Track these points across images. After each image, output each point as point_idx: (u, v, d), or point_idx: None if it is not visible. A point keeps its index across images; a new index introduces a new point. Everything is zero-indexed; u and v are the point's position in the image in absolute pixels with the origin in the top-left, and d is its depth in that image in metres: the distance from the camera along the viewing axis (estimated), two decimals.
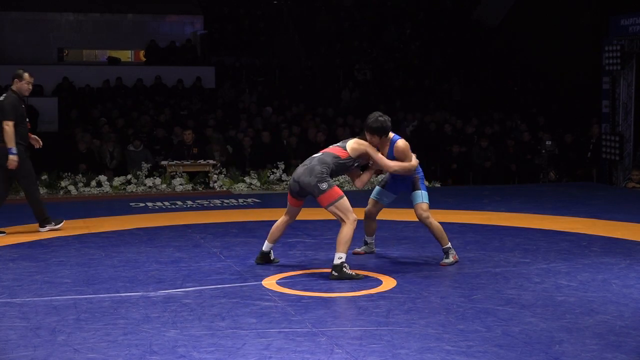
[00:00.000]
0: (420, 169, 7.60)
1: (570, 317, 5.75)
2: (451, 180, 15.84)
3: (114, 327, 5.51)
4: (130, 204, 11.90)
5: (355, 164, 7.35)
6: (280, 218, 7.52)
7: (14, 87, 9.41)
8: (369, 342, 5.15)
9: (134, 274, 7.19)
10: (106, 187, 13.46)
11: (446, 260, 7.54)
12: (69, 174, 13.52)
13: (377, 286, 6.69)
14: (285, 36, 24.58)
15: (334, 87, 21.94)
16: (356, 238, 7.41)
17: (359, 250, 8.09)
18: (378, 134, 7.27)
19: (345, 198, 7.04)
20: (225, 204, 11.91)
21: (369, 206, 7.85)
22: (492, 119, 19.24)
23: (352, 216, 6.99)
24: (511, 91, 22.18)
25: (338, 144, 7.40)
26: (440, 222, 7.67)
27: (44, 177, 13.32)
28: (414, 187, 7.51)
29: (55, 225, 9.61)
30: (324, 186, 6.97)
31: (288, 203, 7.43)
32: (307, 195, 7.19)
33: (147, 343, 5.15)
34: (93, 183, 13.44)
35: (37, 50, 23.29)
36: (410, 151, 7.43)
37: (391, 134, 7.43)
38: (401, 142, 7.39)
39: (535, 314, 5.81)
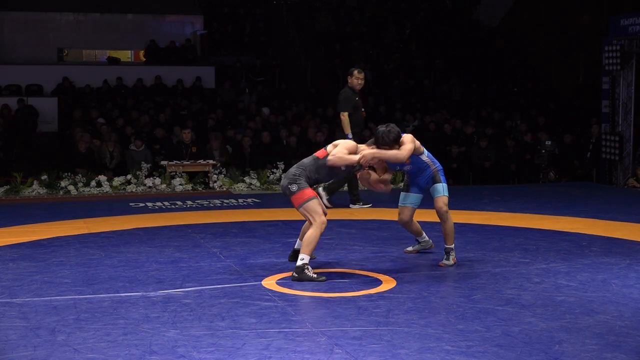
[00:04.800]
0: (438, 161, 7.60)
1: (570, 317, 5.75)
2: (451, 180, 15.81)
3: (114, 327, 5.51)
4: (130, 204, 11.89)
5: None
6: None
7: (348, 83, 11.05)
8: (369, 342, 5.16)
9: (134, 274, 7.19)
10: (106, 187, 13.45)
11: (445, 262, 7.53)
12: (69, 174, 13.51)
13: (377, 286, 6.69)
14: (285, 36, 24.58)
15: (333, 87, 21.93)
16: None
17: (410, 249, 8.07)
18: (397, 142, 7.19)
19: (315, 200, 6.98)
20: (225, 204, 11.90)
21: (399, 215, 7.73)
22: (492, 119, 19.23)
23: (320, 218, 6.95)
24: (511, 91, 22.18)
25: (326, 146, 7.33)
26: (437, 222, 7.68)
27: (44, 177, 13.32)
28: (434, 181, 7.52)
29: (364, 205, 11.06)
30: (294, 188, 6.97)
31: None
32: (286, 196, 7.13)
33: (147, 343, 5.16)
34: (93, 183, 13.43)
35: (36, 50, 23.28)
36: (413, 143, 7.27)
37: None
38: (406, 135, 7.36)
39: (535, 314, 5.82)
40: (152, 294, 6.45)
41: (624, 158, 15.22)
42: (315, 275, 6.86)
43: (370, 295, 6.39)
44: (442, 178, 7.53)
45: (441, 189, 7.49)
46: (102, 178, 13.55)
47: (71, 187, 13.29)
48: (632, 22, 15.35)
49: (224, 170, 14.31)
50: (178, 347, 5.09)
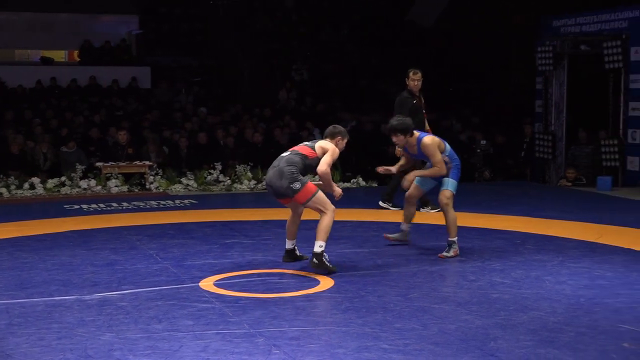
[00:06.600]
0: (458, 159, 8.00)
1: (505, 314, 5.84)
2: (387, 180, 15.92)
3: (48, 331, 5.42)
4: (65, 206, 11.73)
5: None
6: (289, 215, 7.59)
7: (406, 85, 11.05)
8: (307, 342, 5.17)
9: (69, 277, 7.09)
10: (39, 190, 13.21)
11: (446, 254, 7.84)
12: (1, 176, 13.24)
13: (314, 286, 6.71)
14: (222, 36, 24.46)
15: (271, 88, 21.90)
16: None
17: (390, 235, 8.39)
18: (402, 133, 7.69)
19: (320, 191, 7.16)
20: (162, 206, 11.81)
21: (410, 190, 8.18)
22: (427, 119, 19.35)
23: (330, 206, 7.14)
24: (446, 91, 22.38)
25: (307, 143, 7.49)
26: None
27: None
28: (446, 174, 7.90)
29: (432, 209, 10.76)
30: (297, 185, 7.06)
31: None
32: (285, 196, 7.20)
33: (82, 347, 5.09)
34: (26, 185, 13.19)
35: None
36: (437, 149, 7.78)
37: (417, 133, 7.87)
38: (428, 140, 7.81)
39: (471, 312, 5.89)
40: (87, 297, 6.36)
41: (556, 157, 15.49)
42: (330, 265, 7.11)
43: (308, 296, 6.40)
44: (454, 174, 7.97)
45: (447, 183, 7.92)
46: (36, 180, 13.32)
47: (3, 190, 13.02)
48: (564, 24, 15.66)
49: (160, 171, 14.18)
50: (114, 350, 5.03)
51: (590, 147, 15.10)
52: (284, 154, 7.36)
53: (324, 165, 7.17)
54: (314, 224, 8.17)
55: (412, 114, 10.66)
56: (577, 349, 5.06)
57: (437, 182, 8.18)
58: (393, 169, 8.18)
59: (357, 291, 6.52)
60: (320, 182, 7.41)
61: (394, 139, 7.83)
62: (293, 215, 7.57)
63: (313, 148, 7.32)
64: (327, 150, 7.27)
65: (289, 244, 7.67)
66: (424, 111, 11.00)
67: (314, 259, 7.06)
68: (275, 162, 7.30)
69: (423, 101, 11.02)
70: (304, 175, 7.27)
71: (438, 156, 7.77)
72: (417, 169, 8.43)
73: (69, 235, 9.28)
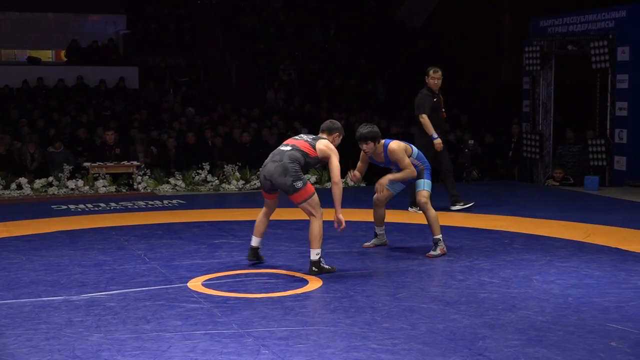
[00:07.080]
0: (427, 162, 8.08)
1: (493, 313, 5.85)
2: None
3: (36, 332, 5.40)
4: (52, 206, 11.68)
5: (317, 165, 7.66)
6: (261, 212, 7.55)
7: (426, 83, 10.87)
8: (295, 342, 5.16)
9: (56, 277, 7.06)
10: (27, 190, 13.16)
11: (433, 252, 7.87)
12: None
13: (303, 286, 6.70)
14: (209, 36, 24.43)
15: (259, 87, 21.89)
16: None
17: (368, 243, 8.40)
18: (372, 141, 7.72)
19: (316, 194, 7.18)
20: (150, 206, 11.78)
21: (377, 193, 8.13)
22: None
23: (320, 210, 7.14)
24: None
25: (307, 139, 7.31)
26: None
27: None
28: (419, 176, 7.97)
29: (465, 205, 10.79)
30: (299, 184, 7.04)
31: (264, 198, 7.46)
32: (276, 191, 7.26)
33: (70, 348, 5.07)
34: (13, 186, 13.14)
35: None
36: (404, 153, 7.82)
37: (382, 141, 7.87)
38: (394, 145, 7.83)
39: (459, 311, 5.90)
40: (75, 297, 6.34)
41: (544, 157, 15.55)
42: (329, 267, 7.18)
43: (297, 295, 6.40)
44: (426, 175, 8.00)
45: (422, 184, 7.96)
46: (23, 180, 13.27)
47: None
48: (551, 24, 15.71)
49: (148, 171, 14.15)
50: (102, 351, 5.02)
51: (578, 147, 15.16)
52: (285, 148, 7.19)
53: (338, 176, 7.12)
54: (301, 224, 8.22)
55: (432, 111, 10.67)
56: (565, 348, 5.07)
57: (406, 185, 8.25)
58: (358, 174, 8.09)
59: (345, 291, 6.52)
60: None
61: (364, 147, 7.80)
62: (265, 212, 7.51)
63: (314, 147, 7.19)
64: (327, 155, 7.17)
65: (255, 241, 7.51)
66: (443, 109, 10.94)
67: (313, 267, 7.09)
68: (275, 156, 7.15)
69: (442, 99, 10.95)
70: (304, 171, 7.28)
71: (406, 160, 7.81)
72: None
73: (56, 235, 9.25)
